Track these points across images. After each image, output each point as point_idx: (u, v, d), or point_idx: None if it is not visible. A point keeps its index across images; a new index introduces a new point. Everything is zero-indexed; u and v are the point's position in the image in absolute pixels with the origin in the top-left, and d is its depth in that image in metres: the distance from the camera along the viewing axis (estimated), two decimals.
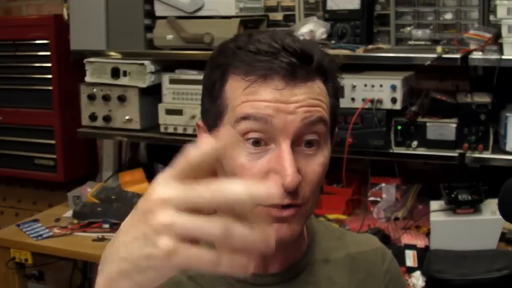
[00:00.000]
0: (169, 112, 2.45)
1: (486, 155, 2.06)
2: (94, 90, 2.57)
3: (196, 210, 0.55)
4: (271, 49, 0.88)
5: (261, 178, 0.87)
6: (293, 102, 0.88)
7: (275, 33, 0.92)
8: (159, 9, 2.47)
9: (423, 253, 1.94)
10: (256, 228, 0.86)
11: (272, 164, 0.87)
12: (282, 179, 0.85)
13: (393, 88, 2.10)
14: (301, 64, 0.89)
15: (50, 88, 2.87)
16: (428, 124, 2.11)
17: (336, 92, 0.97)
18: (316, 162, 0.91)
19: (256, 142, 0.88)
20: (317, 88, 0.92)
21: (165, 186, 0.55)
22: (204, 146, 0.56)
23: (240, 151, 0.88)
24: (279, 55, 0.88)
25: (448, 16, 2.24)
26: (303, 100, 0.89)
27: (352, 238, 1.10)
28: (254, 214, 0.88)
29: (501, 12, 1.98)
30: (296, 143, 0.89)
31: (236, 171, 0.88)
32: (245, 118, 0.88)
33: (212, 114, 0.94)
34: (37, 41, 2.87)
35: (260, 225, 0.87)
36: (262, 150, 0.88)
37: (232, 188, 0.55)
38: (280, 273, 1.00)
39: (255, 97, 0.88)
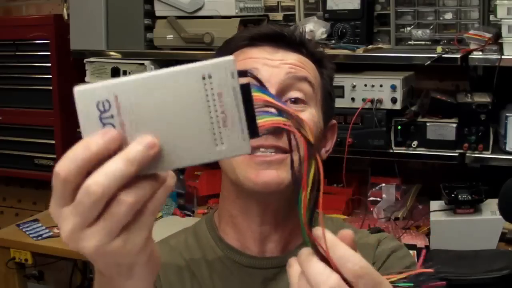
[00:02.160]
0: None
1: (486, 155, 2.06)
2: None
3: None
4: (263, 25, 1.01)
5: None
6: (278, 59, 0.96)
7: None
8: (159, 9, 2.47)
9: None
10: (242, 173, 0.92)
11: None
12: None
13: (393, 88, 2.10)
14: (290, 36, 0.98)
15: (50, 88, 2.86)
16: (428, 124, 2.11)
17: (330, 82, 1.03)
18: (302, 115, 0.94)
19: None
20: (307, 62, 0.98)
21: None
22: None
23: None
24: (271, 26, 1.01)
25: (448, 16, 2.24)
26: (288, 59, 0.96)
27: (359, 233, 1.08)
28: (240, 161, 0.92)
29: (501, 12, 1.98)
30: (282, 97, 0.94)
31: None
32: None
33: None
34: (37, 41, 2.86)
35: (246, 172, 0.91)
36: None
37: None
38: (277, 257, 1.00)
39: (244, 56, 0.97)
